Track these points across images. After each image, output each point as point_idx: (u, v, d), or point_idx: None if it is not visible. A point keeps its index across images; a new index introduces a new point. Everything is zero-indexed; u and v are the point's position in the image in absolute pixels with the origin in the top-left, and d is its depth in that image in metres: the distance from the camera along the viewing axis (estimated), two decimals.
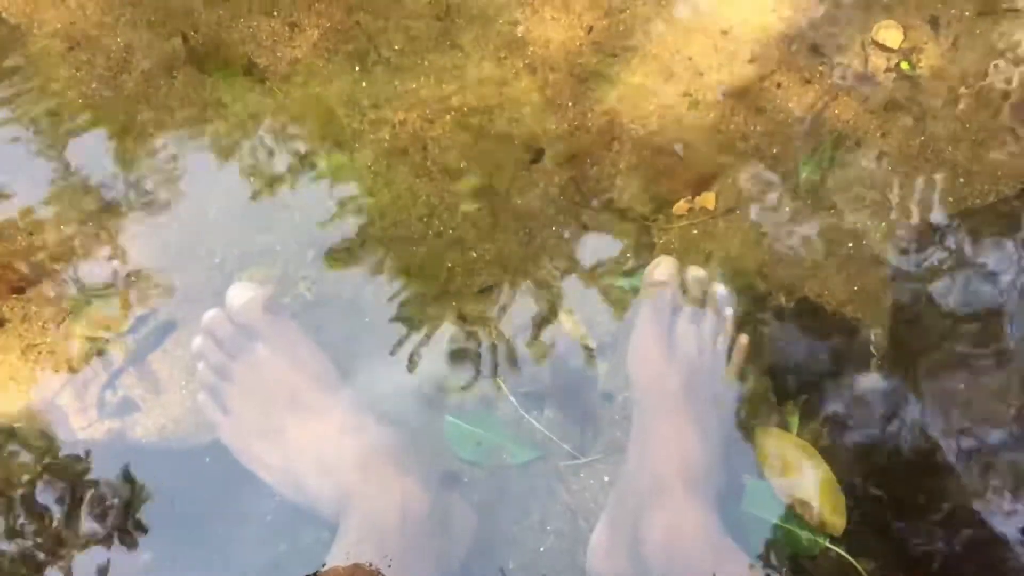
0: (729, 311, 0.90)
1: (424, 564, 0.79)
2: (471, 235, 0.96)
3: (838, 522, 0.86)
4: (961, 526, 0.86)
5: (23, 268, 0.94)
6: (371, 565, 0.75)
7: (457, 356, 0.92)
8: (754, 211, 0.97)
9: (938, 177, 0.97)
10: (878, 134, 0.99)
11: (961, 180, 0.97)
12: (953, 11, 1.02)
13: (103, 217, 0.96)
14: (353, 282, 0.95)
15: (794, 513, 0.87)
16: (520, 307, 0.94)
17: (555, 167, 0.98)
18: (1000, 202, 0.96)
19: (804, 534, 0.86)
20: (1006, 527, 0.86)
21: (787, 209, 0.97)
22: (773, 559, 0.86)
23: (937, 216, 0.96)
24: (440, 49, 1.02)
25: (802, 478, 0.87)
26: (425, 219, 0.96)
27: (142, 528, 0.87)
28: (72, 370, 0.91)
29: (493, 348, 0.93)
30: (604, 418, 0.91)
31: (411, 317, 0.94)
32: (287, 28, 1.02)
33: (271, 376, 0.85)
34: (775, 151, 0.98)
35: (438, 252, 0.95)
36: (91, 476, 0.88)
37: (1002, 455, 0.88)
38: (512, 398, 0.91)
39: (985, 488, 0.87)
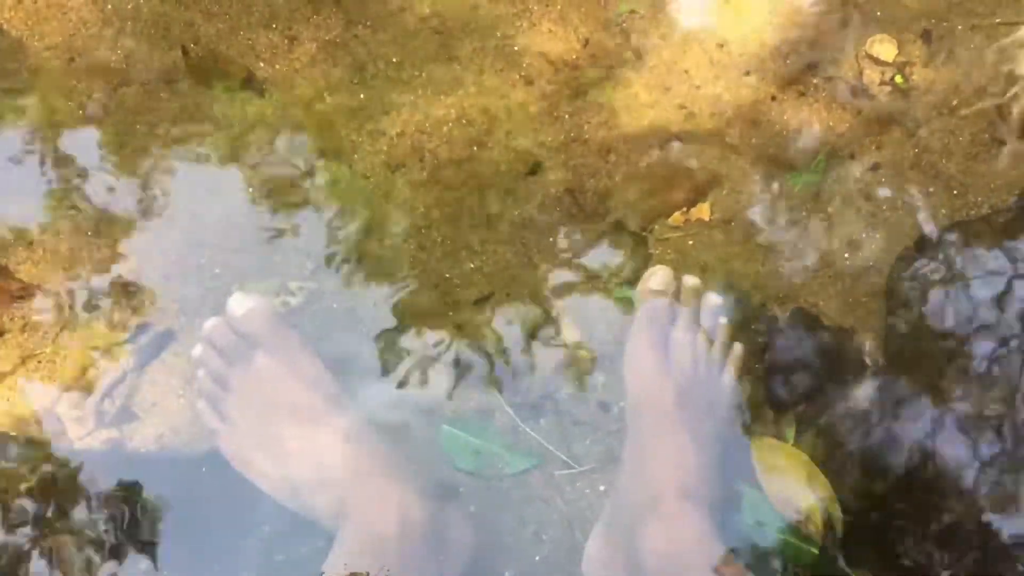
0: (724, 321, 0.90)
1: (421, 574, 0.79)
2: (468, 245, 0.96)
3: (834, 532, 0.86)
4: (956, 537, 0.86)
5: (23, 278, 0.94)
6: (368, 575, 0.75)
7: (454, 366, 0.93)
8: (749, 222, 0.97)
9: (932, 189, 0.98)
10: (872, 146, 0.99)
11: (955, 192, 0.97)
12: (946, 25, 1.03)
13: (102, 227, 0.97)
14: (351, 293, 0.95)
15: (790, 523, 0.87)
16: (517, 317, 0.94)
17: (551, 178, 0.99)
18: (993, 214, 0.96)
19: (800, 544, 0.86)
20: (1002, 538, 0.86)
21: (782, 220, 0.97)
22: (770, 569, 0.86)
23: (931, 228, 0.96)
24: (438, 61, 1.02)
25: (799, 488, 0.88)
26: (422, 230, 0.97)
27: (139, 537, 0.87)
28: (71, 379, 0.91)
29: (490, 358, 0.93)
30: (600, 428, 0.92)
31: (409, 327, 0.94)
32: (286, 41, 1.03)
33: (270, 385, 0.85)
34: (770, 163, 0.99)
35: (435, 263, 0.96)
36: (89, 485, 0.88)
37: (998, 466, 0.88)
38: (508, 408, 0.92)
39: (981, 499, 0.87)
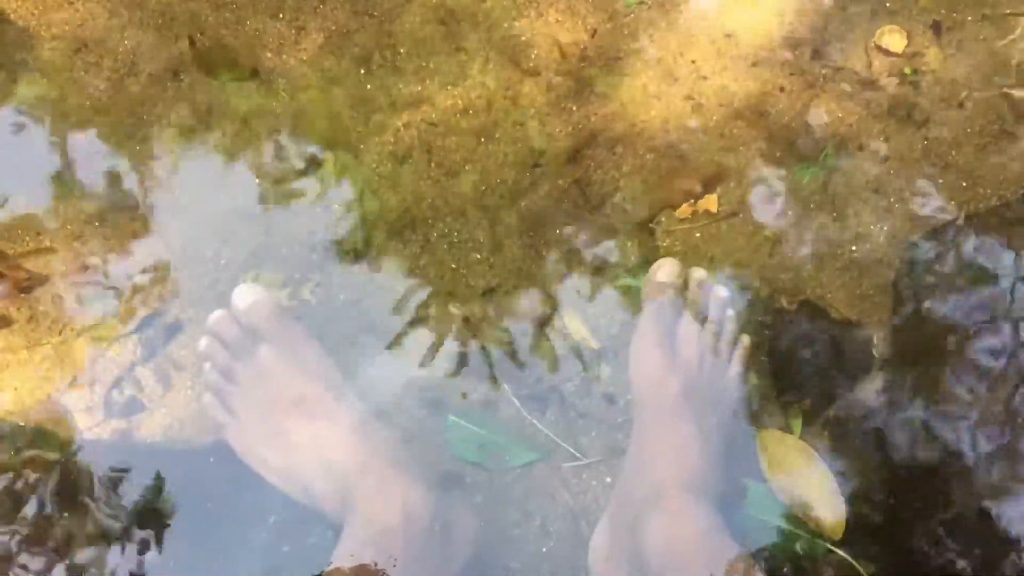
0: (731, 313, 0.91)
1: (427, 565, 0.80)
2: (475, 237, 0.96)
3: (838, 526, 0.87)
4: (961, 530, 0.86)
5: (30, 268, 0.94)
6: (376, 565, 0.75)
7: (460, 358, 0.93)
8: (756, 214, 0.97)
9: (941, 181, 0.97)
10: (881, 138, 0.99)
11: (964, 184, 0.97)
12: (956, 16, 1.02)
13: (109, 218, 0.97)
14: (357, 284, 0.95)
15: (795, 516, 0.87)
16: (523, 309, 0.94)
17: (559, 170, 0.98)
18: (1003, 206, 0.96)
19: (806, 536, 0.86)
20: (1006, 530, 0.86)
21: (789, 212, 0.97)
22: (775, 561, 0.86)
23: (939, 220, 0.96)
24: (444, 52, 1.02)
25: (804, 481, 0.88)
26: (429, 221, 0.97)
27: (146, 528, 0.87)
28: (78, 370, 0.91)
29: (496, 350, 0.93)
30: (606, 420, 0.92)
31: (415, 319, 0.94)
32: (293, 31, 1.03)
33: (276, 378, 0.86)
34: (778, 155, 0.99)
35: (442, 254, 0.96)
36: (96, 475, 0.88)
37: (1003, 459, 0.88)
38: (515, 400, 0.92)
39: (988, 493, 0.87)
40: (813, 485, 0.87)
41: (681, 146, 0.99)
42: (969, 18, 1.02)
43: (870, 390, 0.91)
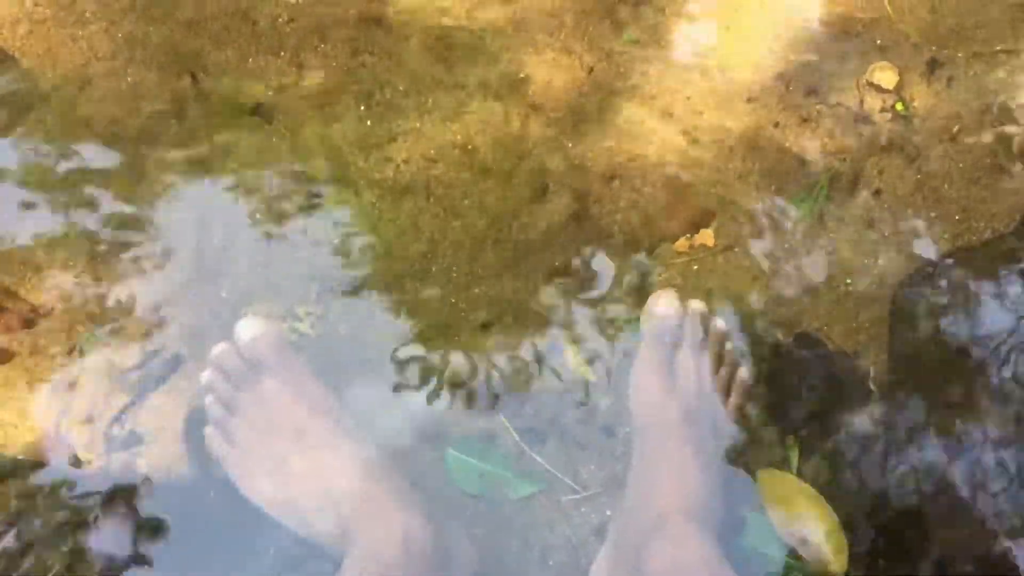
0: (729, 345, 0.91)
1: None
2: (473, 271, 0.97)
3: (840, 566, 0.86)
4: (962, 563, 0.86)
5: (32, 302, 0.95)
6: None
7: (459, 390, 0.93)
8: (753, 247, 0.98)
9: (934, 215, 0.98)
10: (874, 172, 1.00)
11: (956, 217, 0.98)
12: (947, 53, 1.04)
13: (111, 253, 0.97)
14: (356, 317, 0.96)
15: (795, 549, 0.87)
16: (522, 342, 0.95)
17: (557, 204, 0.99)
18: (996, 239, 0.97)
19: (805, 570, 0.86)
20: (1007, 564, 0.86)
21: (785, 246, 0.98)
22: None
23: (933, 253, 0.97)
24: (443, 89, 1.03)
25: (805, 523, 0.87)
26: (428, 255, 0.97)
27: (146, 561, 0.87)
28: (79, 404, 0.91)
29: (495, 382, 0.93)
30: (605, 452, 0.92)
31: (414, 352, 0.94)
32: (294, 69, 1.04)
33: (277, 410, 0.86)
34: (773, 189, 1.00)
35: (441, 287, 0.96)
36: (97, 509, 0.88)
37: (1001, 492, 0.88)
38: (513, 432, 0.92)
39: (986, 524, 0.87)
40: (815, 528, 0.87)
41: (678, 180, 1.00)
42: (960, 55, 1.04)
43: (868, 421, 0.91)
